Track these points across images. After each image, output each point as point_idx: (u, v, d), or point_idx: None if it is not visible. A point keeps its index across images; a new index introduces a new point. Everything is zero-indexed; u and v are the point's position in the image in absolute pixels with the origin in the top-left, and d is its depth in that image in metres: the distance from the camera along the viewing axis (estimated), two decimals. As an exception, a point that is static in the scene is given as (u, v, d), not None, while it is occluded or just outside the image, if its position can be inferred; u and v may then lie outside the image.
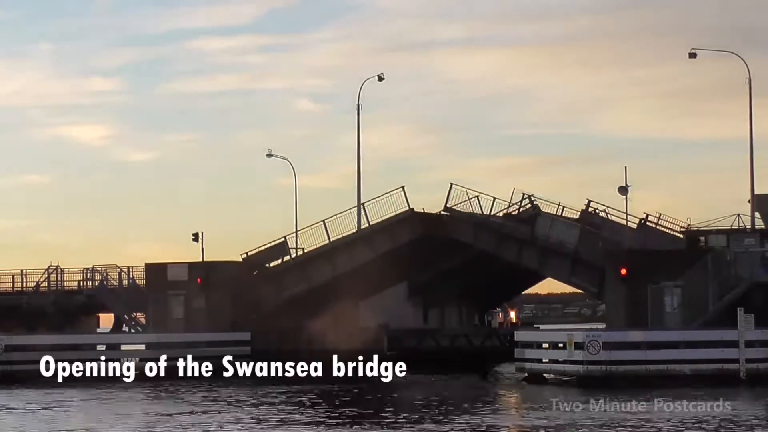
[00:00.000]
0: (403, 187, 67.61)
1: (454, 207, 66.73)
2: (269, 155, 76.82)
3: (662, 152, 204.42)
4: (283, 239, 69.59)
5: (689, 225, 66.77)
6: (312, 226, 69.12)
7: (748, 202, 63.82)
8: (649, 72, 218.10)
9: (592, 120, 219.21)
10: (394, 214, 67.72)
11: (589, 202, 67.56)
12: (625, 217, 63.08)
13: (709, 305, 57.40)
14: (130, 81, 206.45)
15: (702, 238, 63.07)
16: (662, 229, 67.38)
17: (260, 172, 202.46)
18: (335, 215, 68.47)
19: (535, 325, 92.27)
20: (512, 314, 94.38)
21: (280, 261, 70.02)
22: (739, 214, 67.91)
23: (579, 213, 67.28)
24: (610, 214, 65.45)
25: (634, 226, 64.21)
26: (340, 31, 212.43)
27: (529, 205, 67.03)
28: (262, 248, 69.70)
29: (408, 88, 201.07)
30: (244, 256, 69.68)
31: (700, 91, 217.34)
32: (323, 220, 68.69)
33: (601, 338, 53.47)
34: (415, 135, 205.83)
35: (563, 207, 67.41)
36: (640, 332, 55.18)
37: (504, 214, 67.05)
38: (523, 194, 67.00)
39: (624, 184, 63.65)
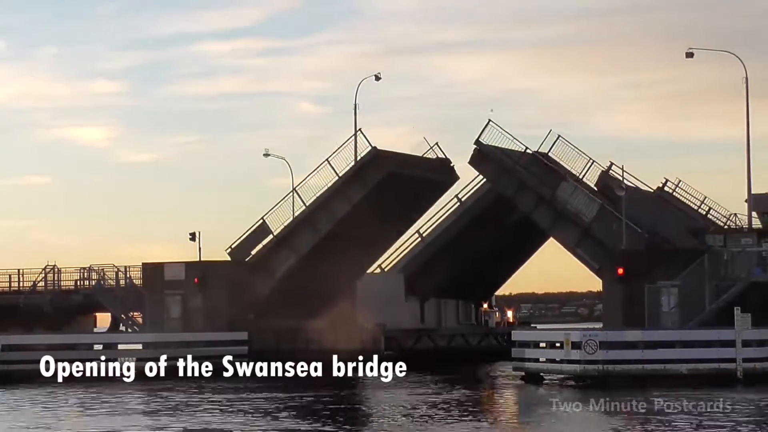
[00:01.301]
0: (360, 129, 68.08)
1: (484, 142, 66.60)
2: (266, 155, 76.82)
3: (659, 153, 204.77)
4: (262, 221, 69.69)
5: (705, 197, 68.06)
6: (284, 199, 69.52)
7: (746, 201, 63.93)
8: (647, 74, 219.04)
9: (589, 122, 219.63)
10: (359, 158, 68.06)
11: (611, 164, 67.86)
12: (624, 217, 63.05)
13: (706, 305, 57.37)
14: (134, 83, 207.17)
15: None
16: (679, 197, 68.20)
17: (260, 172, 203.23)
18: (302, 181, 69.30)
19: (532, 325, 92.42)
20: (509, 314, 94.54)
21: (264, 244, 70.03)
22: (736, 214, 68.18)
23: (599, 175, 67.67)
24: (628, 180, 66.50)
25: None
26: (340, 34, 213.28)
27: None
28: (244, 236, 69.81)
29: (407, 90, 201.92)
30: (229, 250, 69.78)
31: (696, 93, 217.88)
32: (293, 189, 69.12)
33: (598, 338, 53.41)
34: (415, 136, 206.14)
35: (592, 161, 67.95)
36: (637, 332, 55.12)
37: (534, 152, 67.14)
38: (558, 135, 67.53)
39: (621, 185, 63.81)
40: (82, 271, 72.00)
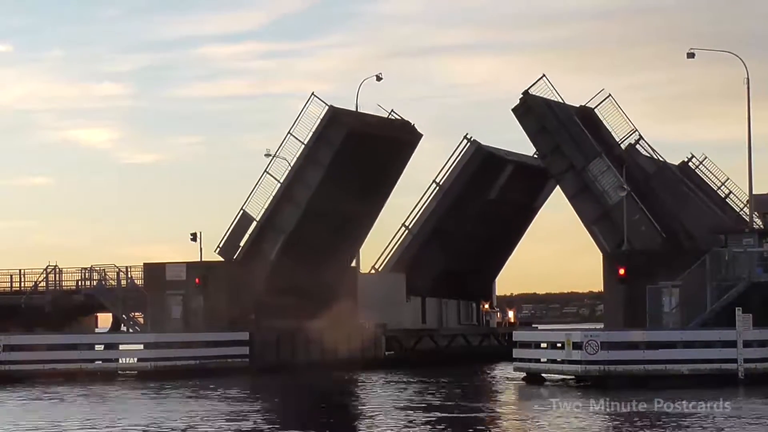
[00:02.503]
0: (313, 93, 68.49)
1: (532, 93, 66.62)
2: (267, 155, 76.78)
3: (660, 154, 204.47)
4: (242, 211, 69.80)
5: (727, 179, 68.46)
6: (258, 184, 69.62)
7: (747, 202, 63.84)
8: (648, 75, 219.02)
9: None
10: (319, 121, 68.17)
11: (640, 138, 67.96)
12: (624, 219, 63.03)
13: (708, 305, 57.29)
14: (138, 85, 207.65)
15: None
16: (702, 175, 68.45)
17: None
18: (272, 158, 69.56)
19: (533, 325, 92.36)
20: (510, 314, 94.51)
21: (249, 233, 70.04)
22: (738, 213, 68.13)
23: (626, 147, 67.75)
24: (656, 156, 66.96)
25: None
26: (343, 37, 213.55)
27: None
28: (229, 231, 69.87)
29: (410, 92, 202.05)
30: (218, 249, 69.82)
31: (698, 93, 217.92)
32: (265, 170, 69.37)
33: (599, 338, 53.32)
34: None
35: (635, 129, 68.33)
36: (638, 332, 55.01)
37: (581, 106, 67.19)
38: (609, 94, 68.06)
39: (623, 185, 63.79)
40: (83, 271, 71.97)
